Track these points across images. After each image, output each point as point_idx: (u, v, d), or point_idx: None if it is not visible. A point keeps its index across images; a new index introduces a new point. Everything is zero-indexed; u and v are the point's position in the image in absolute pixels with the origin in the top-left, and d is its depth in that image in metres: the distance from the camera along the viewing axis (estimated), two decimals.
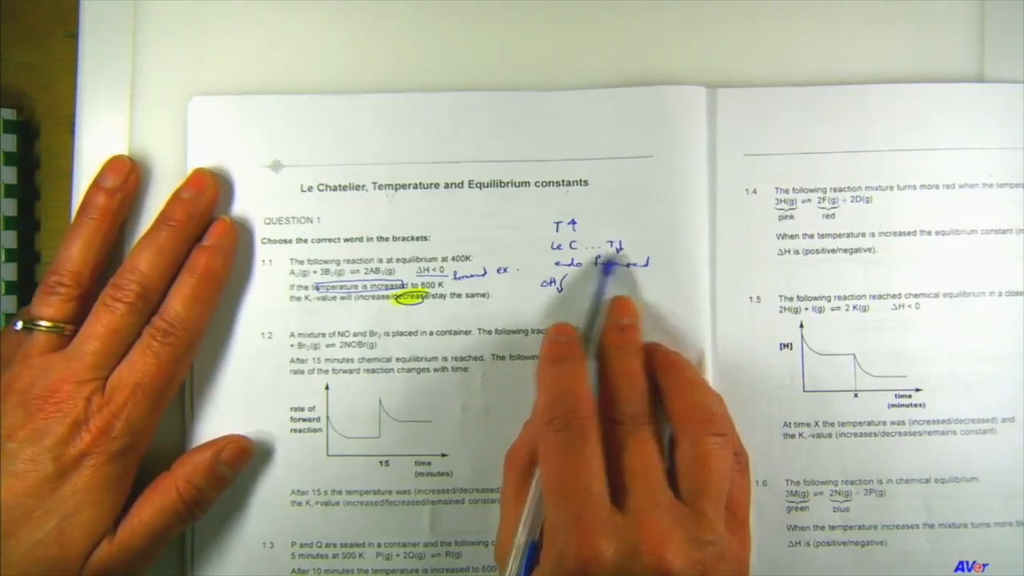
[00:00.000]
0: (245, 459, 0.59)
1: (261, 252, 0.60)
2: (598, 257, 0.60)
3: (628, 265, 0.59)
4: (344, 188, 0.60)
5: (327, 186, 0.60)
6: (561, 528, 0.49)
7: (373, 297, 0.60)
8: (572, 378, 0.54)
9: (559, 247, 0.60)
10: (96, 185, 0.59)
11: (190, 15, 0.62)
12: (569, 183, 0.60)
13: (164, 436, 0.59)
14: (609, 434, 0.53)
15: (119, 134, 0.62)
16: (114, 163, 0.59)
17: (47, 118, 0.66)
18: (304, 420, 0.60)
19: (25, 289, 0.66)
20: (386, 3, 0.62)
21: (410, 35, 0.62)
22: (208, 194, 0.59)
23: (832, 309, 0.59)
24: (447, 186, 0.60)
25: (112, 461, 0.54)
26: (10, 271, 0.65)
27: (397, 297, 0.60)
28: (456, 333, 0.60)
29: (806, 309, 0.59)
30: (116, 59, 0.62)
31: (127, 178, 0.59)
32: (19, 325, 0.57)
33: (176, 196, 0.59)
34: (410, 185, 0.60)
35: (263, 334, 0.60)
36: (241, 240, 0.60)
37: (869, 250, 0.59)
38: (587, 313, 0.58)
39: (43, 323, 0.56)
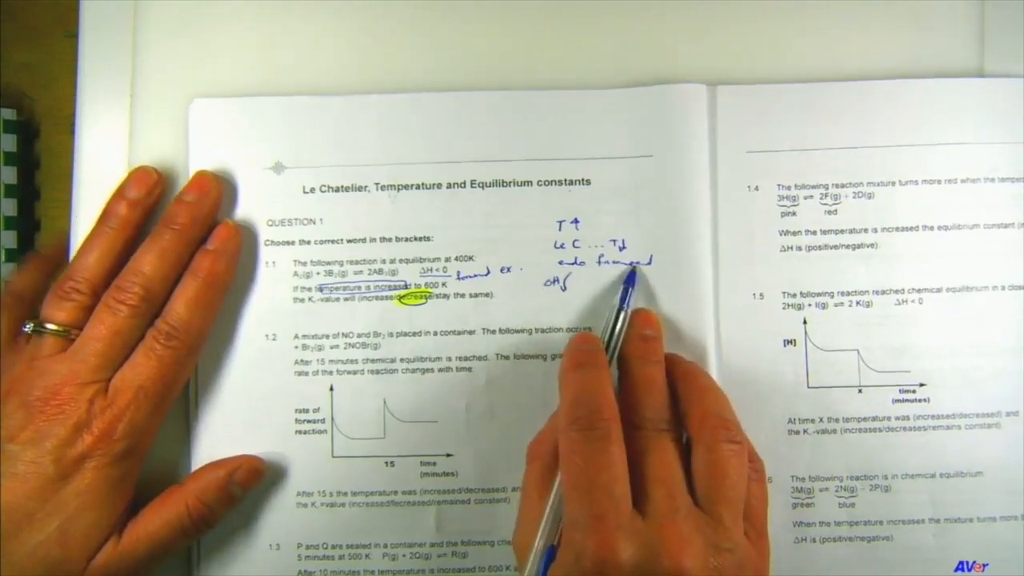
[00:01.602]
0: (257, 480, 0.59)
1: (264, 254, 0.60)
2: (631, 269, 0.60)
3: (632, 263, 0.60)
4: (346, 189, 0.60)
5: (329, 187, 0.60)
6: (580, 527, 0.49)
7: (377, 298, 0.60)
8: (596, 382, 0.54)
9: (562, 246, 0.60)
10: (119, 195, 0.59)
11: (190, 15, 0.62)
12: (571, 182, 0.60)
13: (169, 439, 0.60)
14: (629, 439, 0.52)
15: (119, 134, 0.62)
16: (140, 174, 0.59)
17: (47, 118, 0.66)
18: (309, 422, 0.60)
19: None
20: (387, 4, 0.62)
21: (411, 36, 0.62)
22: (211, 197, 0.59)
23: (835, 305, 0.59)
24: (449, 186, 0.60)
25: (114, 464, 0.54)
26: (10, 271, 0.65)
27: (401, 298, 0.60)
28: (460, 333, 0.60)
29: (809, 305, 0.59)
30: (116, 59, 0.62)
31: (151, 191, 0.59)
32: (28, 327, 0.57)
33: (179, 199, 0.58)
34: (412, 185, 0.60)
35: (267, 336, 0.60)
36: (244, 242, 0.60)
37: (871, 245, 0.59)
38: (609, 323, 0.58)
39: (52, 327, 0.56)
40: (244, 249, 0.60)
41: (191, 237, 0.58)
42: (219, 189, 0.59)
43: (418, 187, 0.60)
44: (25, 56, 0.66)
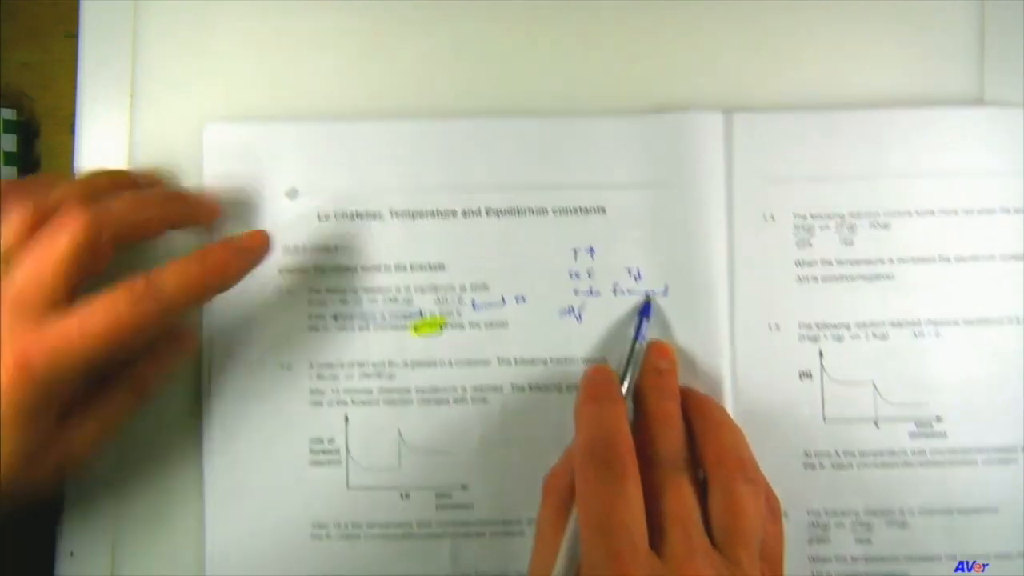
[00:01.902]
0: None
1: (280, 281, 0.60)
2: (645, 300, 0.59)
3: (647, 293, 0.59)
4: (360, 216, 0.60)
5: (344, 214, 0.60)
6: (597, 566, 0.48)
7: (391, 327, 0.59)
8: (612, 417, 0.53)
9: (577, 275, 0.59)
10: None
11: (190, 15, 0.62)
12: (586, 210, 0.59)
13: (182, 468, 0.59)
14: (645, 476, 0.51)
15: (119, 134, 0.62)
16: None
17: (47, 118, 0.65)
18: (324, 452, 0.59)
19: None
20: (400, 29, 0.61)
21: (425, 62, 0.61)
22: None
23: (851, 337, 0.59)
24: (464, 214, 0.60)
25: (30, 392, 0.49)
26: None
27: (415, 327, 0.60)
28: (475, 363, 0.59)
29: (825, 337, 0.59)
30: (116, 59, 0.62)
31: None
32: None
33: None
34: (427, 213, 0.60)
35: (282, 365, 0.59)
36: (260, 269, 0.57)
37: (888, 276, 0.59)
38: (624, 355, 0.57)
39: None
40: (259, 276, 0.58)
41: (171, 195, 0.58)
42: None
43: (433, 215, 0.60)
44: (25, 56, 0.65)
